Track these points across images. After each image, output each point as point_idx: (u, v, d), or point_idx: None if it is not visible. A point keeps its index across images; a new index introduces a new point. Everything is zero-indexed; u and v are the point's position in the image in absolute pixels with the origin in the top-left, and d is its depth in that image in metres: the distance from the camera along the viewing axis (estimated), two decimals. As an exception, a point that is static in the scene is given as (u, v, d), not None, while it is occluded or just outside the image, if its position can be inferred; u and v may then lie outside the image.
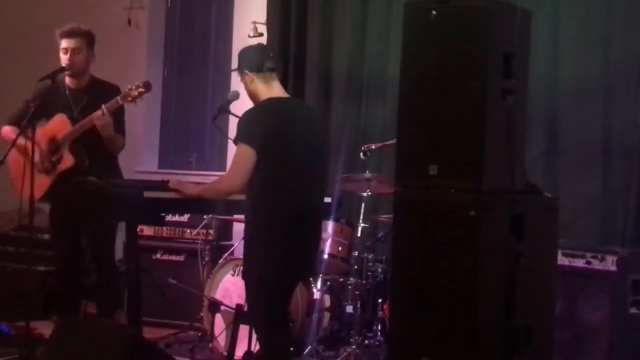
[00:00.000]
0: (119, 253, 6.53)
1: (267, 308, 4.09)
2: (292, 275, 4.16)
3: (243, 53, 4.24)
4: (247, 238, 4.15)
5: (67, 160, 4.93)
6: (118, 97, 4.83)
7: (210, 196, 4.21)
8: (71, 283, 5.15)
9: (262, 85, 4.12)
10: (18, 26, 7.83)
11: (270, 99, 4.09)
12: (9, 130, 5.06)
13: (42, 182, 4.90)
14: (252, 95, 4.16)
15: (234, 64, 4.33)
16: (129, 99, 4.82)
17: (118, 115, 4.98)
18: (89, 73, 5.11)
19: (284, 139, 3.99)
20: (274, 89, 4.14)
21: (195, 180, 5.23)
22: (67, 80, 5.08)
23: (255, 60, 4.14)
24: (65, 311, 5.14)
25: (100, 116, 4.82)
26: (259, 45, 4.73)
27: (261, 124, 3.97)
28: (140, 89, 4.80)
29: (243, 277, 4.23)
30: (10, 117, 5.10)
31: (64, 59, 5.00)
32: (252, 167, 3.93)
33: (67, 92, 5.06)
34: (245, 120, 4.02)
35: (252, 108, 4.10)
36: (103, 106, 4.82)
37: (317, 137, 4.21)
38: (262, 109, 4.07)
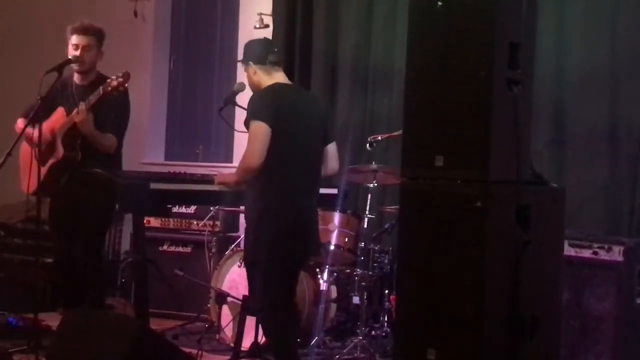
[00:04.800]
0: (126, 244, 6.57)
1: (269, 291, 4.12)
2: (295, 254, 4.21)
3: (248, 45, 4.42)
4: (249, 221, 4.21)
5: (57, 153, 4.92)
6: (100, 89, 4.75)
7: (240, 178, 4.20)
8: (70, 276, 5.13)
9: (265, 76, 4.27)
10: (25, 18, 7.84)
11: (275, 83, 4.25)
12: (20, 123, 5.05)
13: (40, 174, 4.88)
14: (255, 86, 4.31)
15: (240, 55, 4.43)
16: (109, 89, 4.73)
17: (107, 112, 4.90)
18: (96, 70, 5.11)
19: (292, 117, 4.14)
20: (276, 79, 4.28)
21: (202, 172, 5.23)
22: (75, 76, 5.08)
23: (258, 53, 4.30)
24: (67, 303, 5.14)
25: (77, 112, 4.79)
26: (264, 39, 4.87)
27: (272, 103, 4.11)
28: (119, 79, 4.73)
29: (244, 260, 4.34)
30: (23, 111, 5.10)
31: (73, 54, 5.00)
32: (267, 141, 4.03)
33: (74, 88, 5.06)
34: (255, 100, 4.14)
35: (260, 91, 4.24)
36: (82, 103, 4.80)
37: (321, 120, 4.35)
38: (269, 90, 4.21)
